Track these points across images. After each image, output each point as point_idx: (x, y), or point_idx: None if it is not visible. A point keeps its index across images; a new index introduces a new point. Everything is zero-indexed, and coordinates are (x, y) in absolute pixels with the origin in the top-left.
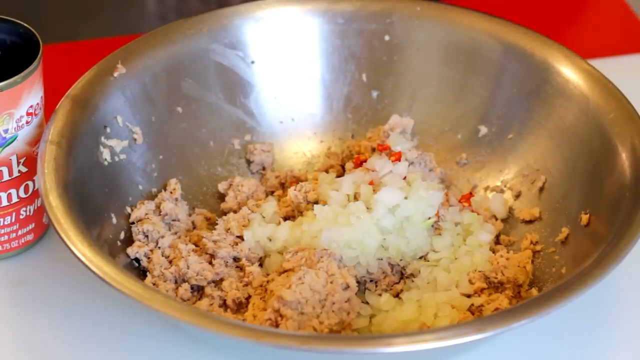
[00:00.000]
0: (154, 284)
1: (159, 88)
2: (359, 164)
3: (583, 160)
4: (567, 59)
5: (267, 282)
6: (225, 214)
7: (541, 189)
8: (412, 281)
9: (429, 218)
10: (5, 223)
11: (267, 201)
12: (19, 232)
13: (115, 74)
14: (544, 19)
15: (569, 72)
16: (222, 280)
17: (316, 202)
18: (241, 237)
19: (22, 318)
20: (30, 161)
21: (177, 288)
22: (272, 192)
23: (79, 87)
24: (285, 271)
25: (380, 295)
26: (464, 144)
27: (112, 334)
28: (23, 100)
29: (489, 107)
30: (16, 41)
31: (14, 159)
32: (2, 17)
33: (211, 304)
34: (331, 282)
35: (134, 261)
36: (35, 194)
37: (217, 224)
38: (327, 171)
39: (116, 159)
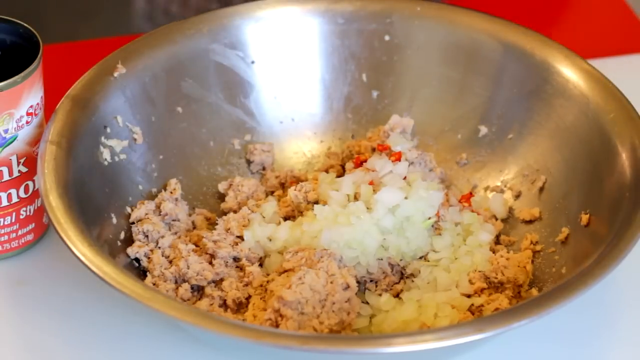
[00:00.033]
0: (154, 284)
1: (159, 88)
2: (359, 164)
3: (583, 160)
4: (567, 59)
5: (267, 282)
6: (225, 214)
7: (541, 189)
8: (412, 281)
9: (429, 218)
10: (5, 223)
11: (267, 201)
12: (19, 232)
13: (115, 74)
14: (544, 19)
15: (569, 72)
16: (222, 280)
17: (316, 202)
18: (241, 237)
19: (22, 318)
20: (30, 161)
21: (177, 288)
22: (272, 192)
23: (79, 87)
24: (285, 271)
25: (380, 295)
26: (464, 144)
27: (112, 334)
28: (23, 100)
29: (489, 107)
30: (16, 41)
31: (14, 159)
32: (2, 17)
33: (211, 304)
34: (331, 282)
35: (134, 261)
36: (35, 194)
37: (217, 224)
38: (327, 171)
39: (116, 159)
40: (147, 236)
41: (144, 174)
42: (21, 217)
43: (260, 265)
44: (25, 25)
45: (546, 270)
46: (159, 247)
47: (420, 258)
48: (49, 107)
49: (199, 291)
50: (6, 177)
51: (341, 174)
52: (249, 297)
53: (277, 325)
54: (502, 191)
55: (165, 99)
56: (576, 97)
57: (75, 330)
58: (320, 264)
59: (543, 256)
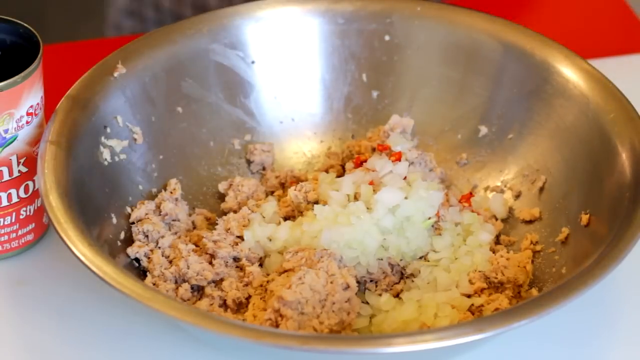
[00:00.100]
0: (154, 284)
1: (159, 88)
2: (359, 164)
3: (583, 160)
4: (567, 59)
5: (267, 282)
6: (225, 214)
7: (541, 189)
8: (412, 281)
9: (429, 218)
10: (5, 223)
11: (267, 201)
12: (19, 232)
13: (115, 74)
14: (543, 19)
15: (569, 72)
16: (222, 280)
17: (316, 202)
18: (241, 237)
19: (22, 318)
20: (30, 161)
21: (177, 288)
22: (272, 192)
23: (79, 87)
24: (286, 271)
25: (380, 295)
26: (464, 144)
27: (112, 334)
28: (23, 100)
29: (489, 107)
30: (16, 41)
31: (14, 159)
32: (2, 17)
33: (211, 304)
34: (331, 282)
35: (134, 261)
36: (35, 194)
37: (217, 224)
38: (327, 171)
39: (116, 159)
40: (147, 236)
41: (144, 174)
42: (21, 217)
43: (260, 265)
44: (25, 25)
45: (546, 270)
46: (159, 247)
47: (420, 258)
48: (49, 107)
49: (199, 291)
50: (6, 177)
51: (341, 174)
52: (249, 297)
53: (277, 325)
54: (502, 191)
55: (165, 99)
56: (576, 97)
57: (75, 330)
58: (320, 264)
59: (543, 256)
